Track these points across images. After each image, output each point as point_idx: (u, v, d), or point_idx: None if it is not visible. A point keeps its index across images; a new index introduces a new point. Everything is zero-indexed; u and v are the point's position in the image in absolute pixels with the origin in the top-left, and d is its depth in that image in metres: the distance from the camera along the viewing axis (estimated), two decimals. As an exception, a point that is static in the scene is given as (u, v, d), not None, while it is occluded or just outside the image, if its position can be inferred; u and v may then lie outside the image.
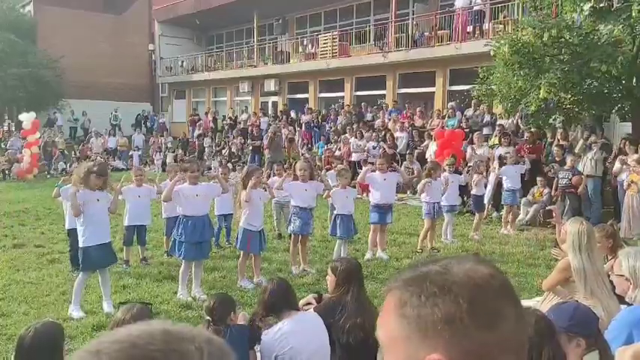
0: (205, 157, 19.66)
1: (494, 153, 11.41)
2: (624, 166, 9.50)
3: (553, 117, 11.17)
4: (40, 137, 19.00)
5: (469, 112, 14.34)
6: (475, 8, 15.57)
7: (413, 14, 18.08)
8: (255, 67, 23.26)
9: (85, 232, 5.63)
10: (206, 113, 24.34)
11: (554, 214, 5.88)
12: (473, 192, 9.62)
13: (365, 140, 14.96)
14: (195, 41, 28.76)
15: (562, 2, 10.36)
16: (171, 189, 6.19)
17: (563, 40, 9.59)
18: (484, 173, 9.63)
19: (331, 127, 17.56)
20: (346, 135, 15.70)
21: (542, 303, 3.81)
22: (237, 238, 6.84)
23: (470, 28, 15.57)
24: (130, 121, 26.12)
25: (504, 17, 14.81)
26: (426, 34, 16.92)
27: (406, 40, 17.07)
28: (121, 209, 7.33)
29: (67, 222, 7.11)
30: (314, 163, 14.46)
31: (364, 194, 9.22)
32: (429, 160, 12.73)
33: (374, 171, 8.28)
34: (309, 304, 4.01)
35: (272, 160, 15.28)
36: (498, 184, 10.48)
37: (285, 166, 10.46)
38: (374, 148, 14.41)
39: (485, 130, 13.37)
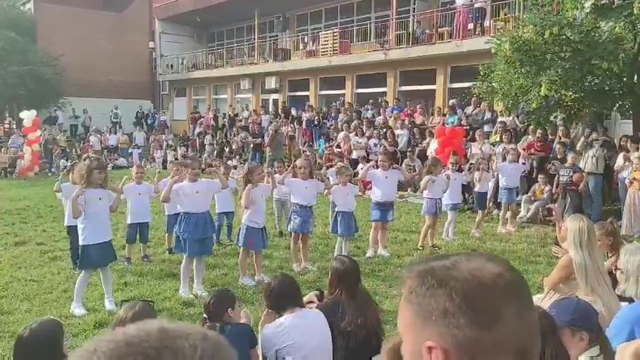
0: (206, 155, 19.66)
1: (496, 150, 11.41)
2: (626, 163, 9.49)
3: (554, 114, 11.17)
4: (40, 135, 19.00)
5: (469, 109, 14.34)
6: (476, 5, 15.55)
7: (414, 11, 18.06)
8: (255, 64, 23.25)
9: (85, 230, 5.63)
10: (207, 111, 24.35)
11: (554, 212, 5.90)
12: (476, 189, 9.61)
13: (366, 138, 14.95)
14: (196, 39, 28.74)
15: (563, -1, 10.36)
16: (169, 189, 6.19)
17: (564, 37, 9.58)
18: (489, 170, 9.62)
19: (332, 125, 17.56)
20: (345, 132, 15.67)
21: (542, 300, 3.82)
22: (238, 236, 6.85)
23: (471, 26, 15.55)
24: (131, 119, 26.13)
25: (505, 14, 14.78)
26: (427, 31, 16.90)
27: (407, 38, 17.05)
28: (123, 207, 7.33)
29: (66, 219, 7.11)
30: (314, 161, 14.48)
31: (365, 192, 9.20)
32: (429, 157, 12.74)
33: (375, 167, 8.27)
34: (311, 302, 4.02)
35: (273, 157, 15.29)
36: (498, 182, 10.49)
37: (287, 163, 10.45)
38: (375, 145, 14.41)
39: (486, 128, 13.37)
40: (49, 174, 18.66)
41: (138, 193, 7.49)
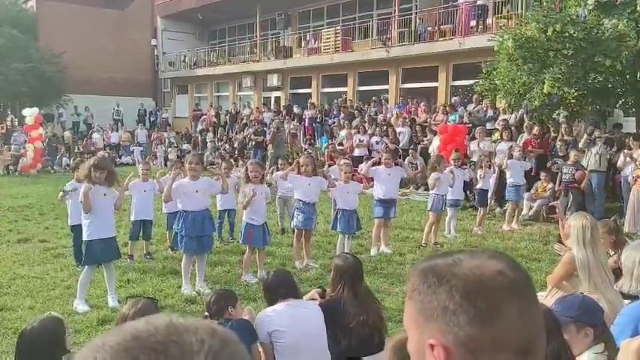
0: (208, 152, 19.68)
1: (497, 147, 11.39)
2: (627, 159, 9.47)
3: (557, 112, 11.15)
4: (43, 132, 19.02)
5: (472, 107, 14.31)
6: (478, 3, 15.51)
7: (416, 9, 18.02)
8: (257, 62, 23.23)
9: (89, 225, 5.66)
10: (209, 109, 24.35)
11: (557, 210, 5.89)
12: (478, 186, 9.60)
13: (368, 135, 14.94)
14: (198, 36, 28.72)
15: (566, -4, 10.33)
16: (169, 188, 6.20)
17: (567, 34, 9.56)
18: (491, 167, 9.62)
19: (334, 123, 17.55)
20: (347, 130, 15.65)
21: (545, 297, 3.81)
22: (240, 233, 6.87)
23: (473, 23, 15.52)
24: (133, 117, 26.15)
25: (508, 12, 14.75)
26: (429, 28, 16.86)
27: (409, 35, 17.02)
28: (126, 204, 7.35)
29: (70, 218, 7.14)
30: (317, 158, 14.47)
31: (369, 187, 9.21)
32: (432, 155, 12.72)
33: (378, 164, 8.28)
34: (313, 299, 4.02)
35: (275, 155, 15.29)
36: (500, 179, 10.48)
37: (290, 161, 10.47)
38: (377, 143, 14.40)
39: (488, 125, 13.34)
40: (52, 171, 18.70)
41: (143, 190, 7.55)
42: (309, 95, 21.15)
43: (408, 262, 7.39)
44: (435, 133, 13.54)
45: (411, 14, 17.71)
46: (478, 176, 9.53)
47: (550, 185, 10.43)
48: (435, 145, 12.96)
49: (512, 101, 11.23)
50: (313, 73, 21.01)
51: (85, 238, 5.70)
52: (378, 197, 7.94)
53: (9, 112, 23.55)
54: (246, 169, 6.76)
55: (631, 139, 9.92)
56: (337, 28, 19.79)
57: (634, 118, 11.10)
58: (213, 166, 10.53)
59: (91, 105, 25.14)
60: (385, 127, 15.02)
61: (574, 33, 9.44)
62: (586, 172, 9.74)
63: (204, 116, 23.69)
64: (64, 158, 19.35)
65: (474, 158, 11.27)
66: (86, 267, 5.78)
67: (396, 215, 8.50)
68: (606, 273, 3.53)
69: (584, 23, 9.62)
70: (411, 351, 0.87)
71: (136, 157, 19.66)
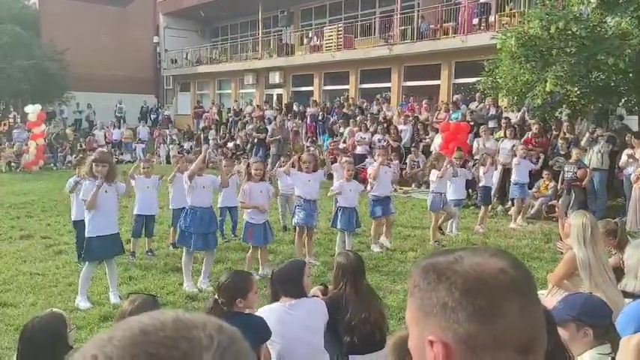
0: (210, 150, 19.66)
1: (500, 145, 11.38)
2: (630, 160, 9.45)
3: (559, 110, 11.12)
4: (45, 130, 19.03)
5: (474, 105, 14.29)
6: (481, 0, 15.47)
7: (418, 6, 17.97)
8: (259, 59, 23.21)
9: (91, 221, 5.68)
10: (211, 106, 24.35)
11: (556, 209, 5.89)
12: (481, 184, 9.59)
13: (370, 133, 14.93)
14: (200, 33, 28.71)
15: (569, -6, 10.30)
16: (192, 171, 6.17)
17: (570, 32, 9.52)
18: (494, 165, 9.62)
19: (339, 120, 17.51)
20: (350, 128, 15.64)
21: (546, 296, 3.81)
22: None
23: (476, 21, 15.48)
24: (135, 114, 26.16)
25: (510, 10, 14.71)
26: (432, 26, 16.83)
27: (411, 33, 16.98)
28: (127, 201, 7.37)
29: (73, 214, 7.16)
30: (319, 155, 14.45)
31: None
32: (433, 153, 12.71)
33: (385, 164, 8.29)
34: (315, 296, 4.02)
35: (278, 153, 15.29)
36: (503, 178, 10.48)
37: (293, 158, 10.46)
38: (379, 141, 14.39)
39: (491, 124, 13.33)
40: (54, 168, 18.73)
41: (146, 186, 7.62)
42: (311, 93, 21.13)
43: (410, 259, 7.40)
44: (437, 131, 13.53)
45: (414, 12, 17.67)
46: (481, 174, 9.52)
47: (552, 184, 10.42)
48: (436, 143, 12.95)
49: (515, 99, 11.21)
50: (315, 71, 20.99)
51: (86, 234, 5.71)
52: (374, 195, 7.95)
53: (11, 109, 23.58)
54: (248, 167, 6.76)
55: (632, 137, 9.90)
56: (339, 25, 19.75)
57: (636, 117, 11.07)
58: (214, 160, 10.54)
59: (93, 102, 25.17)
60: (386, 125, 15.01)
61: (577, 31, 9.41)
62: (588, 170, 9.73)
63: (207, 114, 23.68)
64: (67, 155, 19.36)
65: (477, 156, 11.26)
66: (87, 263, 5.79)
67: (395, 210, 8.50)
68: (607, 272, 3.52)
69: (587, 21, 9.59)
70: (411, 347, 0.87)
71: (137, 155, 19.70)
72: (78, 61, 24.31)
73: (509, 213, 10.51)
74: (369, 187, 7.95)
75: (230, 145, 19.55)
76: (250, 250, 6.76)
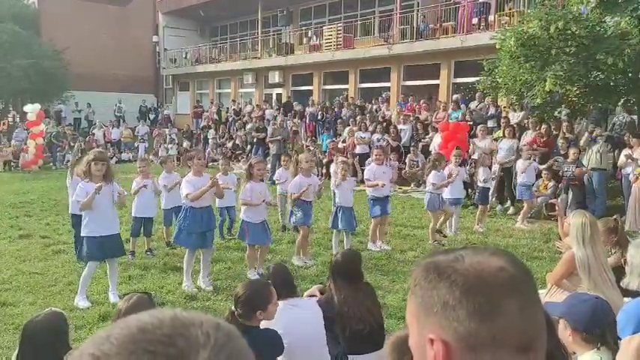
0: (209, 149, 19.68)
1: (499, 145, 11.37)
2: (629, 160, 9.44)
3: (558, 109, 11.13)
4: (44, 129, 19.00)
5: (474, 104, 14.28)
6: (480, 0, 15.47)
7: (418, 6, 17.98)
8: (259, 58, 23.21)
9: (86, 222, 5.66)
10: (210, 105, 24.33)
11: (557, 207, 5.89)
12: (479, 184, 9.60)
13: (369, 133, 14.93)
14: (200, 33, 28.71)
15: (568, -6, 10.31)
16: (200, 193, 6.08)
17: (569, 32, 9.53)
18: (490, 166, 9.63)
19: (340, 120, 17.47)
20: (350, 127, 15.63)
21: (545, 295, 3.81)
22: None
23: (475, 20, 15.48)
24: (134, 113, 26.15)
25: (510, 9, 14.72)
26: (431, 26, 16.83)
27: (411, 32, 16.98)
28: (128, 201, 7.35)
29: (71, 207, 7.07)
30: (318, 154, 14.46)
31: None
32: (432, 152, 12.70)
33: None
34: (313, 295, 4.03)
35: (278, 153, 15.27)
36: (501, 178, 10.49)
37: (293, 157, 10.46)
38: (378, 140, 14.39)
39: (490, 123, 13.32)
40: (53, 167, 18.71)
41: (144, 186, 7.57)
42: (311, 92, 21.13)
43: (409, 259, 7.40)
44: (436, 131, 13.52)
45: (413, 11, 17.67)
46: (479, 172, 9.52)
47: (551, 183, 10.42)
48: (436, 142, 12.95)
49: (514, 99, 11.21)
50: (315, 70, 20.99)
51: (82, 234, 5.70)
52: (373, 195, 7.95)
53: (10, 109, 23.56)
54: (249, 166, 6.74)
55: (631, 137, 9.89)
56: (339, 25, 19.76)
57: (636, 116, 11.08)
58: (216, 163, 10.53)
59: (93, 101, 25.15)
60: (386, 125, 15.00)
61: (576, 31, 9.42)
62: (583, 169, 9.73)
63: (206, 113, 23.67)
64: (66, 155, 19.33)
65: (476, 156, 11.26)
66: (89, 263, 5.78)
67: (390, 211, 8.52)
68: (606, 271, 3.52)
69: (586, 21, 9.60)
70: (412, 346, 0.88)
71: (140, 154, 19.69)
72: (77, 60, 24.31)
73: (508, 213, 10.52)
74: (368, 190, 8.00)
75: (229, 144, 19.55)
76: (248, 250, 6.75)
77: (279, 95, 22.78)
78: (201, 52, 27.07)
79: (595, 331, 2.23)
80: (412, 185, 13.41)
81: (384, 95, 17.86)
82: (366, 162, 10.14)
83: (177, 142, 21.60)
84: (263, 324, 3.15)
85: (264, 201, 6.56)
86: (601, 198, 10.06)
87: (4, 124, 21.82)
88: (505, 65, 10.67)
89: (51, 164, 19.07)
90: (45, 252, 7.73)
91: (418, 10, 17.59)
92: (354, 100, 18.48)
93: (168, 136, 22.32)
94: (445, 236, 8.44)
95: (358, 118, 15.99)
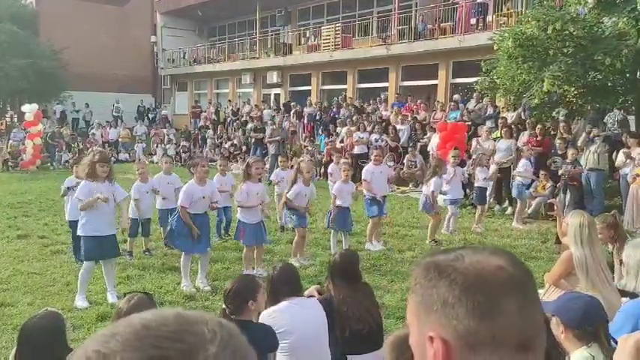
0: (207, 149, 19.67)
1: (497, 145, 11.39)
2: (627, 161, 9.46)
3: (556, 110, 11.14)
4: (42, 129, 18.97)
5: (472, 105, 14.30)
6: (479, 0, 15.49)
7: (416, 6, 18.00)
8: (257, 59, 23.20)
9: (84, 221, 5.65)
10: (208, 106, 24.31)
11: (555, 207, 5.90)
12: (477, 184, 9.61)
13: (367, 133, 14.94)
14: (198, 33, 28.68)
15: (566, -6, 10.32)
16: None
17: (567, 32, 9.54)
18: (489, 166, 9.64)
19: (338, 119, 17.46)
20: (347, 127, 15.64)
21: (543, 295, 3.82)
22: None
23: (473, 21, 15.50)
24: (132, 113, 26.11)
25: (508, 9, 14.73)
26: (429, 26, 16.85)
27: (409, 33, 16.99)
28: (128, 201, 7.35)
29: (67, 214, 7.15)
30: (317, 155, 14.47)
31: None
32: (430, 152, 12.70)
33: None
34: (311, 296, 4.03)
35: (276, 153, 15.27)
36: (499, 178, 10.49)
37: (290, 157, 10.47)
38: (376, 140, 14.40)
39: (488, 123, 13.33)
40: (51, 168, 18.69)
41: (145, 191, 7.62)
42: (309, 92, 21.13)
43: (407, 259, 7.41)
44: (434, 131, 13.53)
45: (411, 11, 17.69)
46: (476, 172, 9.53)
47: (549, 184, 10.43)
48: (434, 142, 12.96)
49: (512, 99, 11.22)
50: (313, 70, 20.98)
51: (78, 232, 5.69)
52: (370, 195, 7.95)
53: (8, 109, 23.51)
54: (247, 166, 6.72)
55: (628, 137, 9.91)
56: (337, 25, 19.75)
57: (633, 117, 11.10)
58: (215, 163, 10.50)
59: (91, 101, 25.11)
60: (384, 125, 15.00)
61: (574, 31, 9.43)
62: (579, 168, 9.76)
63: (204, 113, 23.65)
64: (63, 155, 19.32)
65: (474, 156, 11.26)
66: (86, 263, 5.77)
67: (387, 212, 8.51)
68: (604, 271, 3.53)
69: (584, 21, 9.61)
70: (413, 344, 0.88)
71: (137, 155, 19.68)
72: (75, 60, 24.27)
73: (506, 213, 10.53)
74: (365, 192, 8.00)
75: (227, 144, 19.54)
76: (245, 250, 6.74)
77: (277, 95, 22.78)
78: (200, 52, 27.05)
79: (587, 328, 2.24)
80: (410, 185, 13.41)
81: (382, 96, 17.86)
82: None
83: (175, 142, 21.58)
84: (268, 322, 3.19)
85: (262, 202, 6.56)
86: (599, 198, 10.08)
87: (1, 124, 21.78)
88: (503, 66, 10.69)
89: (49, 164, 19.04)
90: (43, 252, 7.72)
91: (416, 11, 17.61)
92: (352, 100, 18.48)
93: (166, 137, 22.30)
94: (441, 244, 8.35)
95: (354, 117, 15.97)
